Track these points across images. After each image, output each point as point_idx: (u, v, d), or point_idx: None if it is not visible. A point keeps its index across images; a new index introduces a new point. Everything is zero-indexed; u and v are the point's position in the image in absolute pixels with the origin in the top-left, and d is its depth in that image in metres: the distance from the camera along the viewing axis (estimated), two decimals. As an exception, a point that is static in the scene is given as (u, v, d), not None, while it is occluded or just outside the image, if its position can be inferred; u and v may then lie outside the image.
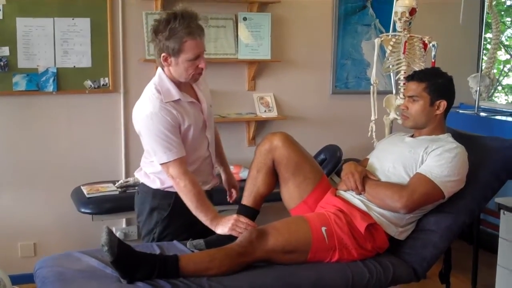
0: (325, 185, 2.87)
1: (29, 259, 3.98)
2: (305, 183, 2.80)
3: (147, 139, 2.75)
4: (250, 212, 2.78)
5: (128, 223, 4.30)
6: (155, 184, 2.85)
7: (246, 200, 2.80)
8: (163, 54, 2.69)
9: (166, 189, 2.82)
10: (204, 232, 2.77)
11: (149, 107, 2.71)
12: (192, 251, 2.62)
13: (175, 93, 2.74)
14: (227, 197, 3.17)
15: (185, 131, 2.75)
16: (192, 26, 2.63)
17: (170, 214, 2.84)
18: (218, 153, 3.10)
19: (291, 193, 2.83)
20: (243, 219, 2.66)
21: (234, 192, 3.17)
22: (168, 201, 2.83)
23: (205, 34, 4.23)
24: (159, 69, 2.80)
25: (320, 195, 2.81)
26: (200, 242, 2.65)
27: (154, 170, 2.82)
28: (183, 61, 2.67)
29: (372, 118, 3.95)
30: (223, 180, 3.16)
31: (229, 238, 2.60)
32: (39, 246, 4.17)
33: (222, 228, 2.64)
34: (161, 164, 2.71)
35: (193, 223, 2.78)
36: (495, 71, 5.06)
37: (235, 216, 2.68)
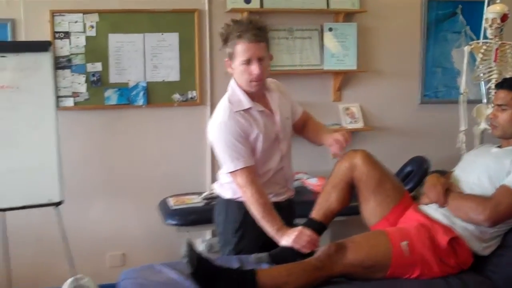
0: (407, 203, 2.80)
1: (117, 269, 4.03)
2: (386, 201, 2.75)
3: (217, 149, 2.79)
4: (318, 226, 2.74)
5: (213, 234, 4.33)
6: (228, 194, 2.88)
7: (316, 214, 2.78)
8: (226, 59, 2.77)
9: (238, 199, 2.83)
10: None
11: (219, 117, 2.76)
12: (270, 264, 2.62)
13: (246, 102, 2.76)
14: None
15: (254, 140, 2.75)
16: (244, 30, 2.65)
17: (244, 225, 2.84)
18: (322, 133, 3.00)
19: (372, 211, 2.77)
20: (307, 231, 2.64)
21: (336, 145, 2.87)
22: (241, 211, 2.83)
23: (291, 45, 4.31)
24: (232, 80, 2.83)
25: (402, 213, 2.75)
26: (265, 255, 2.64)
27: (227, 180, 2.85)
28: (237, 65, 2.71)
29: (462, 128, 3.84)
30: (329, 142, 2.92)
31: (292, 251, 2.60)
32: (127, 257, 4.31)
33: (286, 240, 2.63)
34: (229, 173, 2.75)
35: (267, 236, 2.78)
36: None
37: (300, 228, 2.66)
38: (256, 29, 2.67)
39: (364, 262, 2.50)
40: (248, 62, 2.68)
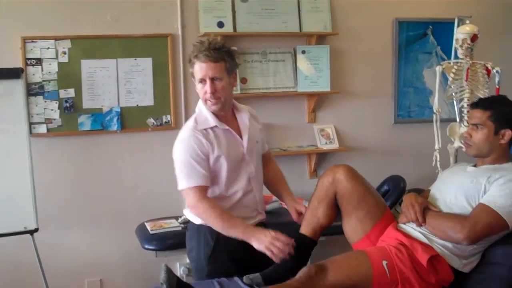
0: (388, 219, 2.81)
1: (96, 296, 4.06)
2: (368, 217, 2.76)
3: (175, 165, 2.80)
4: (308, 242, 2.75)
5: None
6: (198, 220, 2.85)
7: (305, 230, 2.78)
8: (192, 79, 2.82)
9: (208, 224, 2.81)
10: (256, 267, 2.76)
11: (181, 135, 2.79)
12: (251, 286, 2.60)
13: (211, 120, 2.78)
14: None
15: (215, 160, 2.75)
16: (201, 50, 2.69)
17: (216, 249, 2.82)
18: (281, 187, 3.07)
19: (354, 227, 2.78)
20: (280, 236, 2.59)
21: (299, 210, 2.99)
22: (211, 236, 2.81)
23: (264, 68, 4.32)
24: (199, 101, 2.86)
25: (383, 230, 2.76)
26: (257, 275, 2.63)
27: None
28: (196, 83, 2.77)
29: (436, 147, 3.87)
30: (290, 208, 3.02)
31: (285, 269, 2.58)
32: (105, 283, 4.25)
33: (257, 244, 2.61)
34: (181, 190, 2.75)
35: (241, 258, 2.80)
36: None
37: (272, 232, 2.61)
38: (211, 49, 2.70)
39: (345, 282, 2.49)
40: (202, 81, 2.73)
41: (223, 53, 2.73)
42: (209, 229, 2.81)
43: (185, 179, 2.73)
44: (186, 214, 2.97)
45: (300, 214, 2.92)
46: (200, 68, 2.71)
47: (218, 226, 2.69)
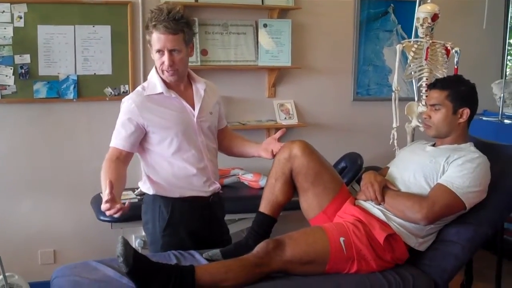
0: (344, 195, 2.83)
1: (49, 267, 3.97)
2: (324, 192, 2.77)
3: None
4: (268, 221, 2.75)
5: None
6: (151, 190, 2.85)
7: (264, 208, 2.77)
8: (149, 45, 2.79)
9: (164, 195, 2.81)
10: (211, 240, 2.79)
11: (125, 97, 2.82)
12: (209, 262, 2.60)
13: (159, 87, 2.77)
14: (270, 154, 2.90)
15: (161, 129, 2.74)
16: (160, 20, 2.65)
17: (171, 223, 2.82)
18: (247, 144, 3.07)
19: (310, 203, 2.79)
20: None
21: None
22: (166, 208, 2.81)
23: (225, 41, 4.28)
24: (153, 67, 2.84)
25: (340, 205, 2.78)
26: (217, 252, 2.63)
27: (146, 175, 2.86)
28: (153, 52, 2.73)
29: (394, 125, 3.89)
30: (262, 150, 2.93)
31: (246, 248, 2.58)
32: (59, 254, 4.18)
33: None
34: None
35: (196, 231, 2.81)
36: (519, 77, 4.98)
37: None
38: (171, 20, 2.66)
39: (303, 258, 2.51)
40: (160, 52, 2.70)
41: (182, 24, 2.70)
42: (164, 201, 2.82)
43: (113, 137, 2.78)
44: (140, 186, 2.94)
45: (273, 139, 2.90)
46: (158, 39, 2.67)
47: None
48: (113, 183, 2.47)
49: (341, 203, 2.79)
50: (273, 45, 4.43)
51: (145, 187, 2.88)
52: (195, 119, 2.81)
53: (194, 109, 2.81)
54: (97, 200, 3.86)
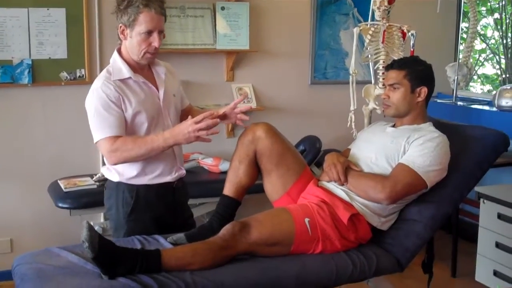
0: (307, 176, 2.85)
1: (5, 256, 3.91)
2: (288, 174, 2.78)
3: (88, 117, 2.71)
4: (232, 203, 2.75)
5: (107, 217, 4.23)
6: (115, 177, 2.79)
7: (228, 191, 2.76)
8: (120, 25, 2.67)
9: (127, 182, 2.77)
10: (176, 225, 2.78)
11: (93, 85, 2.70)
12: (173, 244, 2.58)
13: (126, 71, 2.69)
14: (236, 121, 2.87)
15: (134, 115, 2.68)
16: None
17: (136, 208, 2.78)
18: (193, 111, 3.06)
19: (274, 184, 2.80)
20: (198, 118, 2.56)
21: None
22: (130, 194, 2.77)
23: (183, 24, 4.24)
24: (115, 51, 2.77)
25: (303, 186, 2.79)
26: (181, 236, 2.61)
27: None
28: (136, 34, 2.63)
29: (351, 108, 3.93)
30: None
31: (210, 231, 2.58)
32: (15, 242, 4.10)
33: (187, 139, 2.57)
34: (96, 143, 2.68)
35: (161, 216, 2.79)
36: (471, 60, 5.08)
37: (188, 121, 2.57)
38: (161, 1, 2.63)
39: (268, 240, 2.52)
40: (149, 32, 2.62)
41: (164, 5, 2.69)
42: (128, 187, 2.77)
43: (97, 131, 2.65)
44: (104, 171, 2.90)
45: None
46: (151, 19, 2.60)
47: (141, 152, 2.60)
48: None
49: (305, 184, 2.80)
50: (230, 29, 4.41)
51: (110, 173, 2.82)
52: (161, 103, 2.78)
53: (158, 92, 2.78)
54: (54, 187, 3.81)
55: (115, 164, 2.70)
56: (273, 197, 2.83)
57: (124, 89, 2.67)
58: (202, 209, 4.00)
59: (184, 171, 2.94)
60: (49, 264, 2.39)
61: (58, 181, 3.83)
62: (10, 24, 3.90)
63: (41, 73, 4.02)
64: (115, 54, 2.75)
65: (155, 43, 2.64)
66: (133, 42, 2.66)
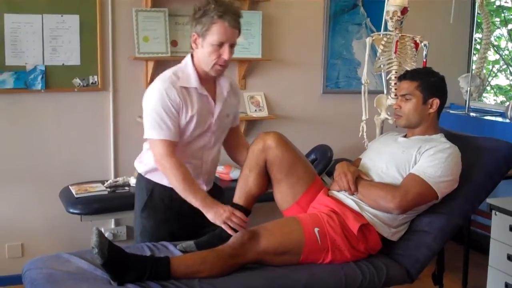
0: (318, 186, 2.83)
1: (16, 260, 3.93)
2: (298, 184, 2.77)
3: (145, 113, 2.72)
4: (242, 212, 2.75)
5: (117, 223, 4.25)
6: (140, 168, 2.85)
7: (238, 199, 2.76)
8: (193, 33, 2.68)
9: (146, 176, 2.81)
10: (187, 232, 2.79)
11: (157, 84, 2.70)
12: (183, 252, 2.59)
13: (194, 81, 2.70)
14: None
15: (186, 121, 2.70)
16: (226, 11, 2.60)
17: (149, 205, 2.82)
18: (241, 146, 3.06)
19: (284, 194, 2.79)
20: (238, 213, 2.61)
21: None
22: (147, 189, 2.82)
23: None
24: (188, 55, 2.77)
25: (313, 196, 2.78)
26: (191, 244, 2.61)
27: (145, 155, 2.85)
28: (208, 44, 2.63)
29: (363, 118, 3.93)
30: None
31: (220, 239, 2.57)
32: (26, 247, 4.11)
33: (214, 217, 2.61)
34: (148, 139, 2.70)
35: (172, 220, 2.81)
36: (484, 71, 5.06)
37: (230, 207, 2.63)
38: (236, 14, 2.64)
39: (278, 249, 2.51)
40: (220, 44, 2.62)
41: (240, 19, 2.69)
42: (146, 182, 2.82)
43: (154, 129, 2.67)
44: (135, 165, 2.92)
45: None
46: (224, 31, 2.61)
47: (179, 188, 2.65)
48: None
49: (315, 194, 2.79)
50: (243, 37, 4.42)
51: (139, 166, 2.87)
52: (213, 119, 2.79)
53: (215, 108, 2.79)
54: (65, 192, 3.83)
55: (157, 166, 2.72)
56: (283, 206, 2.82)
57: (185, 96, 2.69)
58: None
59: (205, 187, 2.91)
60: (59, 269, 2.40)
61: (70, 187, 3.85)
62: (24, 30, 3.92)
63: (54, 79, 4.04)
64: (189, 59, 2.76)
65: (225, 56, 2.64)
66: (204, 52, 2.66)
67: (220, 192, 3.04)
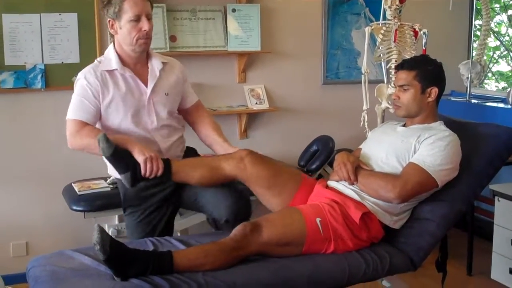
0: (308, 184, 2.85)
1: (21, 259, 3.94)
2: (285, 190, 2.78)
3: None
4: (165, 165, 2.71)
5: (121, 219, 4.24)
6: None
7: (176, 163, 2.77)
8: (108, 20, 2.74)
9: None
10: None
11: (81, 71, 2.81)
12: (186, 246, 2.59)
13: (114, 63, 2.76)
14: None
15: (108, 103, 2.75)
16: None
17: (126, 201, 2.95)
18: (210, 140, 3.03)
19: (272, 203, 2.80)
20: (160, 162, 2.64)
21: None
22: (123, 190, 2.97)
23: (194, 27, 4.25)
24: (111, 44, 2.84)
25: (307, 195, 2.80)
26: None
27: None
28: (125, 23, 2.69)
29: (364, 107, 3.93)
30: None
31: (134, 171, 2.63)
32: (31, 245, 4.12)
33: (139, 152, 2.61)
34: (67, 120, 2.79)
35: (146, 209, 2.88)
36: (485, 57, 5.04)
37: (157, 154, 2.66)
38: None
39: (280, 240, 2.52)
40: (137, 18, 2.68)
41: None
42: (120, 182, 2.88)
43: (70, 111, 2.77)
44: (109, 171, 2.95)
45: None
46: (135, 4, 2.66)
47: (111, 144, 2.63)
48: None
49: (307, 193, 2.81)
50: (242, 30, 4.42)
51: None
52: (146, 98, 2.81)
53: (147, 88, 2.81)
54: (68, 190, 3.83)
55: (73, 148, 2.81)
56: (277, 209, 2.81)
57: (107, 80, 2.75)
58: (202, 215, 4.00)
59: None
60: (63, 266, 2.41)
61: (72, 184, 3.85)
62: (23, 29, 3.92)
63: (54, 77, 4.04)
64: (111, 46, 2.83)
65: (145, 27, 2.69)
66: (123, 32, 2.72)
67: (195, 153, 3.07)
